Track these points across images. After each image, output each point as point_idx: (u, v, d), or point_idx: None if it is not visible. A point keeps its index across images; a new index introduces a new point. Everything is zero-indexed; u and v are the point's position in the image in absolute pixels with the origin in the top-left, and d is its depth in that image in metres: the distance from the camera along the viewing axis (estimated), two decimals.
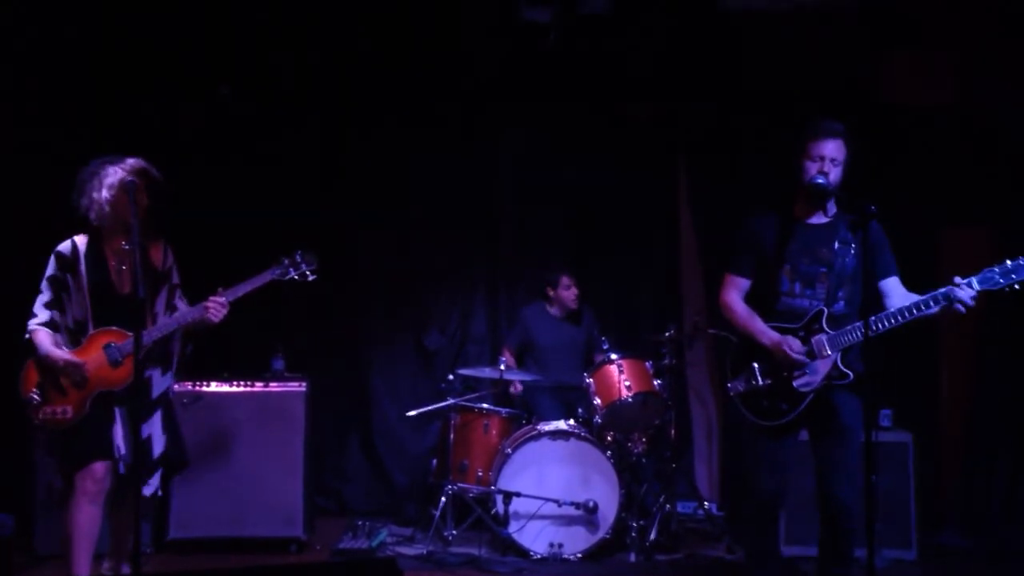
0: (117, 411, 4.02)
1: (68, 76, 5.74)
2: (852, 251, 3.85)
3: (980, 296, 3.69)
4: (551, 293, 6.23)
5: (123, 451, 3.99)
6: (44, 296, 4.07)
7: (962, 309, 3.65)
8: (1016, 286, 3.64)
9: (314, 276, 4.22)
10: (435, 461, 5.81)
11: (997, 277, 3.65)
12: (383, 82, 6.37)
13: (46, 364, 3.96)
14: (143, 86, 5.92)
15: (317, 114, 6.43)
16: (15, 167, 5.46)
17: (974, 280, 3.67)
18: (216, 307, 4.02)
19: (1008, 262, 3.65)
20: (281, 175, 6.36)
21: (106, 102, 5.83)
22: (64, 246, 4.09)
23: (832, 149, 3.83)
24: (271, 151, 6.34)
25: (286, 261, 4.19)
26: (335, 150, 6.52)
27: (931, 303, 3.67)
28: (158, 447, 4.12)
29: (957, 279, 3.66)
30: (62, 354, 3.96)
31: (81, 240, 4.10)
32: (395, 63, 6.25)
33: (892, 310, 3.71)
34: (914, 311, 3.68)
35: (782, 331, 3.85)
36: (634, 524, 5.31)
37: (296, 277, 4.19)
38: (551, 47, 5.98)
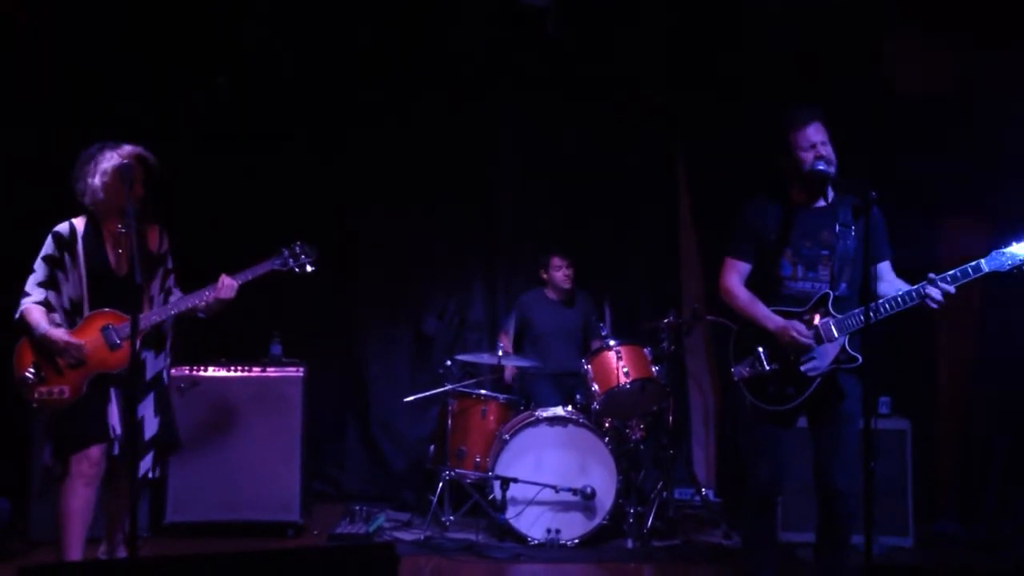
0: (112, 392, 4.00)
1: (67, 63, 5.71)
2: (852, 233, 3.84)
3: (981, 283, 3.70)
4: (544, 276, 6.23)
5: (118, 432, 3.97)
6: (38, 275, 4.04)
7: (933, 305, 3.66)
8: None
9: (312, 269, 4.25)
10: (432, 447, 5.81)
11: (1005, 259, 3.66)
12: (381, 68, 6.33)
13: (44, 343, 3.93)
14: (141, 75, 5.88)
15: (314, 101, 6.39)
16: (12, 153, 5.44)
17: (983, 262, 3.67)
18: (227, 289, 4.05)
19: (1015, 243, 3.66)
20: (278, 162, 6.34)
21: (105, 90, 5.79)
22: (62, 227, 4.07)
23: (817, 132, 3.82)
24: (267, 138, 6.31)
25: (286, 252, 4.22)
26: (332, 136, 6.49)
27: (905, 300, 3.69)
28: (150, 429, 4.10)
29: (931, 275, 3.67)
30: (61, 334, 3.93)
31: (79, 222, 4.08)
32: (393, 49, 6.22)
33: (891, 296, 3.71)
34: (907, 299, 3.69)
35: (787, 315, 3.84)
36: (631, 510, 5.31)
37: (296, 270, 4.22)
38: (550, 32, 5.95)
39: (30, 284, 4.03)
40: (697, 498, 6.05)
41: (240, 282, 4.11)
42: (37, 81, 5.64)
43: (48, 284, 4.03)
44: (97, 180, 3.98)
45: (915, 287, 3.70)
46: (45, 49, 5.63)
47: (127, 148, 4.04)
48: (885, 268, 3.93)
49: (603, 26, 6.07)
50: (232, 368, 5.45)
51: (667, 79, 6.37)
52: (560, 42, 6.10)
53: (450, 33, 6.19)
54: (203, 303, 4.07)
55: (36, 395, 3.95)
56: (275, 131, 6.33)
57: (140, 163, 4.02)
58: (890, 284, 3.86)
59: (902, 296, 3.70)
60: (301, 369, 5.50)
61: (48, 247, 4.05)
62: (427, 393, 5.76)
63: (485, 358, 5.77)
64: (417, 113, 6.46)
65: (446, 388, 5.60)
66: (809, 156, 3.81)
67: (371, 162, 6.51)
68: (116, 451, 3.97)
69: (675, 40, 6.14)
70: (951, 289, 3.65)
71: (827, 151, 3.82)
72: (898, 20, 5.69)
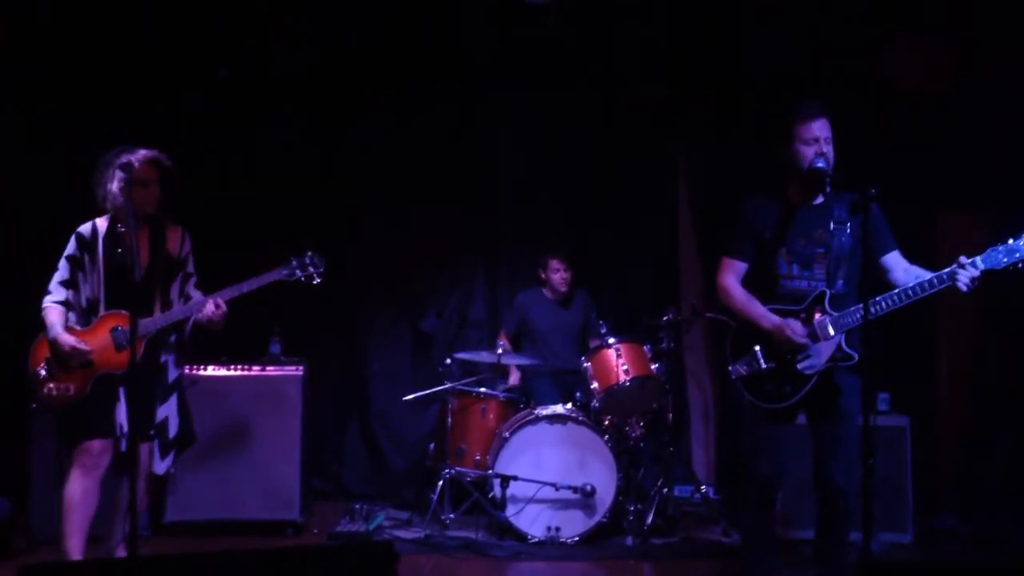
0: (121, 391, 4.07)
1: (71, 62, 5.72)
2: (847, 230, 3.84)
3: (980, 280, 3.69)
4: (543, 275, 6.24)
5: (126, 429, 4.04)
6: (61, 274, 4.14)
7: (963, 288, 3.64)
8: (1020, 265, 3.62)
9: (319, 280, 4.25)
10: (432, 445, 5.81)
11: (1001, 256, 3.64)
12: (382, 65, 6.33)
13: (54, 346, 4.03)
14: (142, 71, 5.87)
15: (316, 98, 6.39)
16: (27, 152, 5.46)
17: (978, 259, 3.65)
18: (212, 310, 4.09)
19: (1011, 240, 3.64)
20: (279, 159, 6.33)
21: (108, 87, 5.79)
22: (85, 228, 4.16)
23: (822, 128, 3.82)
24: (269, 135, 6.31)
25: (294, 262, 4.23)
26: (333, 134, 6.49)
27: (935, 282, 3.66)
28: (173, 428, 4.20)
29: (962, 259, 3.65)
30: (70, 339, 4.02)
31: (102, 223, 4.18)
32: (394, 46, 6.22)
33: (894, 291, 3.70)
34: (918, 291, 3.67)
35: (783, 314, 3.84)
36: (631, 508, 5.31)
37: (302, 279, 4.23)
38: (550, 30, 5.94)
39: (53, 282, 4.13)
40: (697, 495, 6.05)
41: (245, 291, 4.13)
42: (45, 80, 5.66)
43: (69, 283, 4.14)
44: (114, 186, 4.05)
45: (948, 269, 3.66)
46: (45, 46, 5.64)
47: (142, 152, 4.10)
48: (895, 258, 3.90)
49: (604, 23, 6.07)
50: (232, 367, 5.45)
51: (668, 76, 6.36)
52: (561, 39, 6.10)
53: (451, 31, 6.18)
54: (200, 315, 4.10)
55: (44, 391, 4.04)
56: (276, 128, 6.32)
57: (156, 166, 4.10)
58: (906, 272, 3.83)
59: (934, 279, 3.66)
60: (301, 368, 5.50)
61: (71, 247, 4.15)
62: (427, 391, 5.76)
63: (485, 356, 5.77)
64: (418, 110, 6.46)
65: (446, 386, 5.60)
66: (810, 152, 3.80)
67: (372, 160, 6.50)
68: (124, 447, 4.04)
69: (676, 38, 6.14)
70: (978, 272, 3.62)
71: (828, 151, 3.81)
72: (897, 19, 5.69)
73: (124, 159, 4.04)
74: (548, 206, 6.70)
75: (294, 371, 5.49)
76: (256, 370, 5.47)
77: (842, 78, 5.72)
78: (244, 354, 5.54)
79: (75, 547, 4.02)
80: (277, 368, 5.49)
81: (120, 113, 5.68)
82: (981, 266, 3.64)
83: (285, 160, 6.35)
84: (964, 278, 3.63)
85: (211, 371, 5.42)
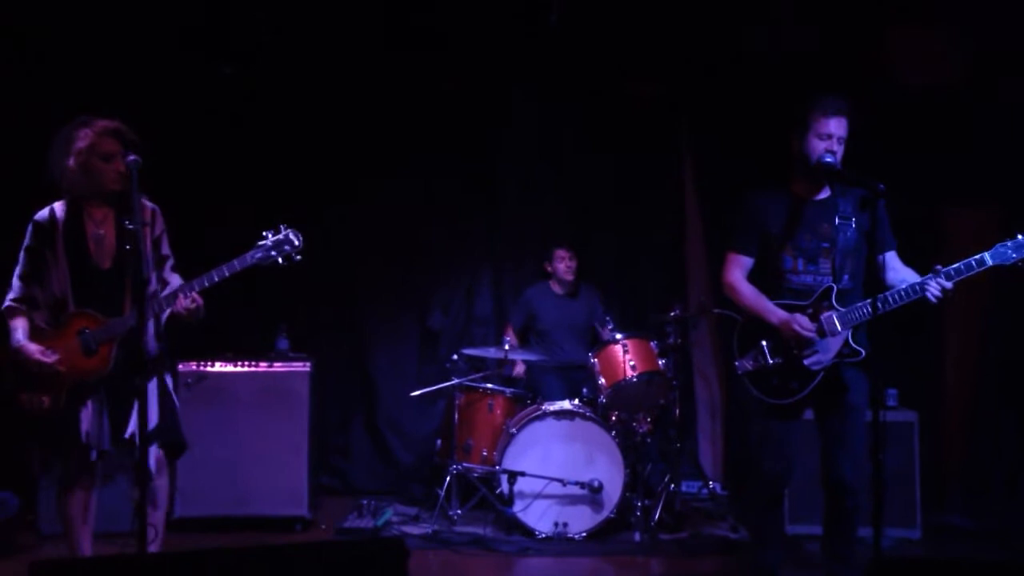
0: (90, 398, 3.79)
1: (68, 51, 5.70)
2: (852, 225, 3.83)
3: (987, 275, 3.69)
4: (549, 268, 6.24)
5: (93, 437, 3.77)
6: (21, 268, 3.81)
7: (932, 300, 3.64)
8: None
9: (299, 257, 3.75)
10: (440, 441, 5.81)
11: (1010, 251, 3.65)
12: (383, 59, 6.32)
13: (18, 356, 3.73)
14: (146, 63, 5.87)
15: (319, 92, 6.38)
16: (15, 140, 5.43)
17: (987, 255, 3.65)
18: (184, 304, 3.70)
19: (1020, 236, 3.65)
20: (283, 153, 6.33)
21: (107, 79, 5.78)
22: (41, 214, 3.80)
23: (839, 126, 3.79)
24: (272, 129, 6.30)
25: (269, 241, 3.73)
26: (337, 129, 6.48)
27: (911, 292, 3.66)
28: (152, 419, 3.83)
29: (937, 267, 3.66)
30: (34, 351, 3.71)
31: (60, 207, 3.80)
32: (396, 40, 6.20)
33: (896, 289, 3.70)
34: (911, 292, 3.67)
35: (790, 309, 3.83)
36: (639, 503, 5.31)
37: (280, 260, 3.74)
38: (553, 22, 5.93)
39: (14, 277, 3.81)
40: (704, 491, 6.06)
41: (216, 280, 3.71)
42: (39, 66, 5.64)
43: (31, 278, 3.80)
44: (71, 162, 3.69)
45: (918, 281, 3.68)
46: (44, 38, 5.63)
47: (101, 123, 3.73)
48: (891, 257, 3.92)
49: (606, 15, 6.05)
50: (239, 363, 5.45)
51: (672, 69, 6.34)
52: (564, 32, 6.08)
53: (454, 24, 6.16)
54: (178, 308, 3.72)
55: (17, 401, 3.76)
56: (279, 122, 6.31)
57: (117, 137, 3.71)
58: (896, 273, 3.85)
59: (905, 290, 3.68)
60: (308, 364, 5.51)
61: (29, 237, 3.79)
62: (434, 387, 5.76)
63: (491, 352, 5.77)
64: (421, 105, 6.44)
65: (453, 382, 5.61)
66: (820, 147, 3.77)
67: (375, 156, 6.49)
68: (93, 457, 3.79)
69: (679, 29, 6.11)
70: (948, 285, 3.63)
71: (839, 150, 3.79)
72: (903, 13, 5.67)
73: (86, 134, 3.68)
74: (552, 201, 6.70)
75: (302, 367, 5.49)
76: (264, 366, 5.47)
77: (846, 70, 5.69)
78: (251, 350, 5.54)
79: (84, 551, 3.90)
80: (285, 364, 5.50)
81: (119, 102, 5.66)
82: (990, 261, 3.65)
83: (288, 153, 6.33)
84: (934, 290, 3.63)
85: (219, 367, 5.42)
